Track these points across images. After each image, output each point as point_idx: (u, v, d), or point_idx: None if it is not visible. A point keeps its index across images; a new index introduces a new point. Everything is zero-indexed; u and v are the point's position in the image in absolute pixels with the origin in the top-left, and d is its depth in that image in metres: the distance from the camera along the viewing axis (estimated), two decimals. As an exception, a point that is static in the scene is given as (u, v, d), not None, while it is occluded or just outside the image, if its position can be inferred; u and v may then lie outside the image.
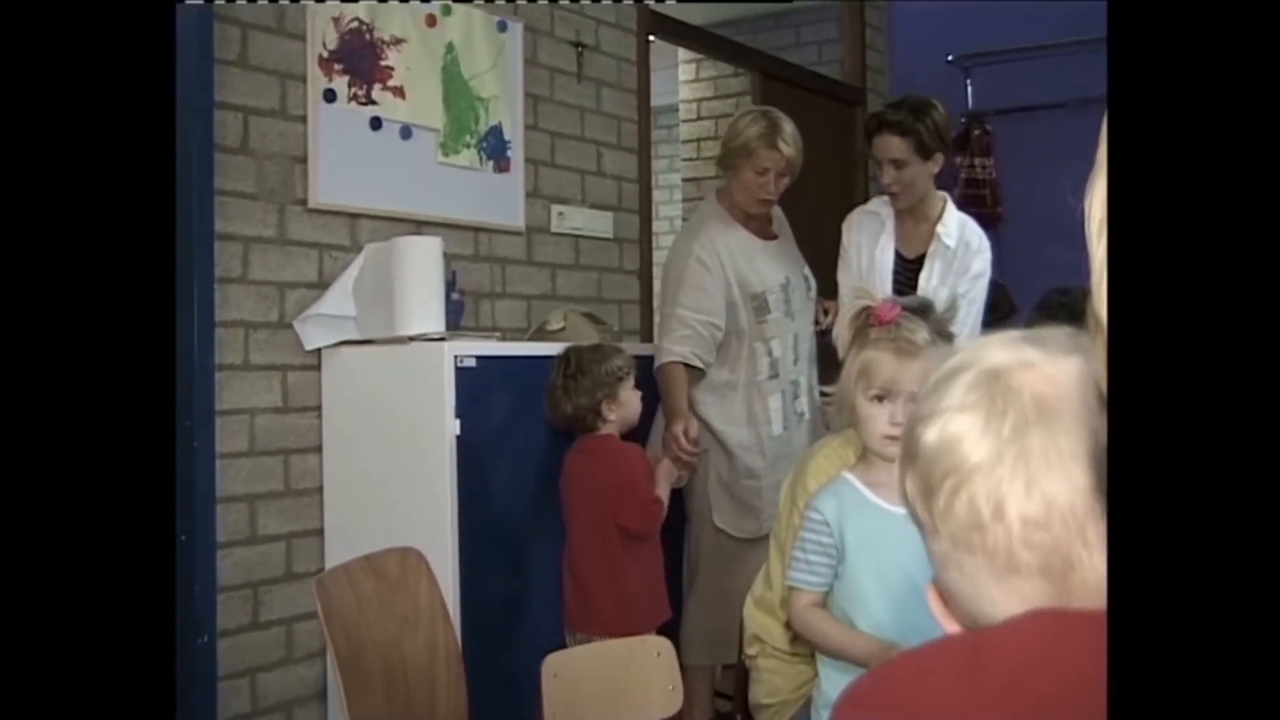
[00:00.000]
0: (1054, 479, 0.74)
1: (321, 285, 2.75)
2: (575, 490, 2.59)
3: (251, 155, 2.64)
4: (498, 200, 3.23)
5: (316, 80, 2.76)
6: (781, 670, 2.01)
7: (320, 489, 2.75)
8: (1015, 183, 4.59)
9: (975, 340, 0.84)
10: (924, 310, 1.79)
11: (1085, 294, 0.70)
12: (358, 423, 2.70)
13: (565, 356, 2.62)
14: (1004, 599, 0.75)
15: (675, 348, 2.84)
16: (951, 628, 0.80)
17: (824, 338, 3.00)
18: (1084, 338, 0.76)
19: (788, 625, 1.91)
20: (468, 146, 3.14)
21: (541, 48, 3.41)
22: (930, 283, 2.80)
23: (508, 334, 3.20)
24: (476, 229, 3.18)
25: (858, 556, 1.72)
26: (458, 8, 3.11)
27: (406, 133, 2.96)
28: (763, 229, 3.05)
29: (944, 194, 2.93)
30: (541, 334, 3.12)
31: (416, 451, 2.58)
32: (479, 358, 2.60)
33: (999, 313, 3.83)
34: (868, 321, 1.77)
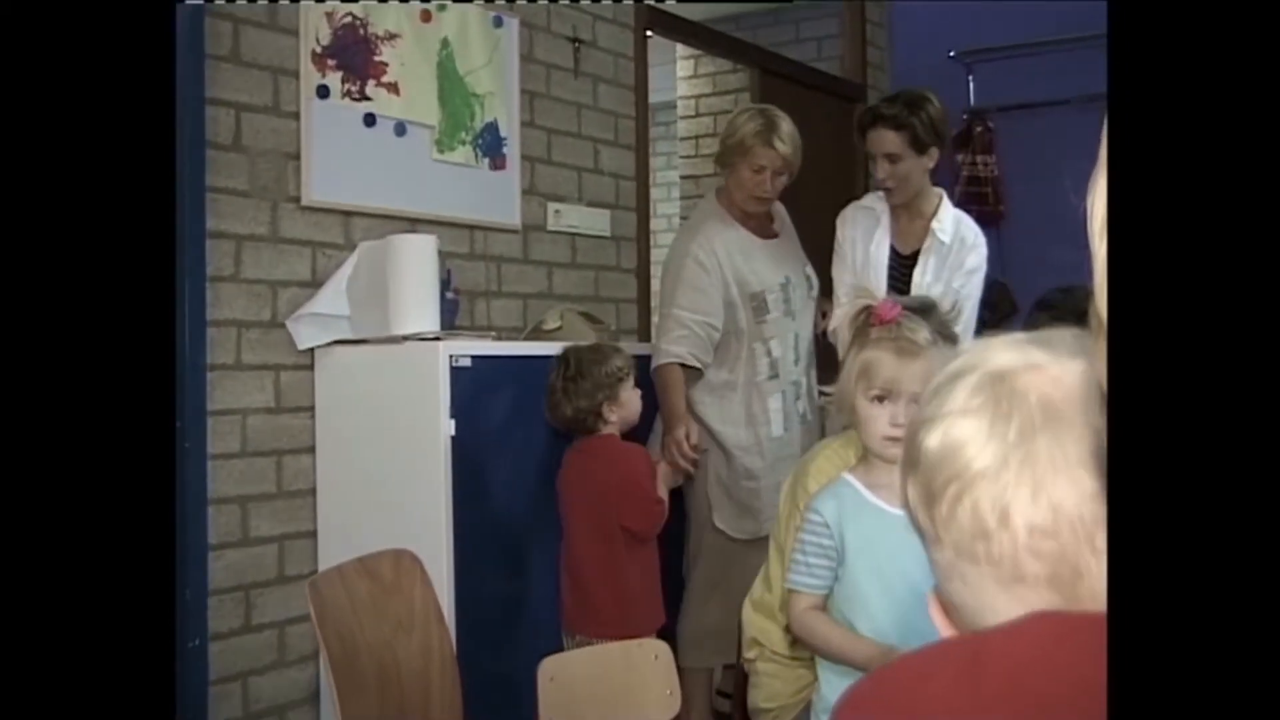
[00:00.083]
0: (1061, 485, 0.72)
1: (315, 284, 2.73)
2: (575, 491, 2.58)
3: (243, 152, 2.61)
4: (493, 198, 3.21)
5: (309, 76, 2.73)
6: (781, 674, 2.01)
7: (313, 490, 2.73)
8: (1017, 180, 4.58)
9: (978, 342, 0.82)
10: (926, 310, 1.78)
11: (1087, 294, 0.69)
12: (351, 423, 2.69)
13: (564, 358, 2.61)
14: (1009, 609, 0.73)
15: (672, 348, 2.83)
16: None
17: (823, 337, 2.98)
18: (1090, 339, 0.74)
19: (787, 629, 1.90)
20: (463, 143, 3.12)
21: (538, 43, 3.39)
22: (925, 278, 2.78)
23: (503, 333, 3.18)
24: (472, 227, 3.16)
25: (858, 559, 1.72)
26: (452, 3, 3.08)
27: (401, 129, 2.94)
28: (762, 227, 3.03)
29: (940, 190, 2.90)
30: (538, 333, 3.10)
31: (411, 452, 2.57)
32: (474, 357, 2.58)
33: (1000, 312, 3.82)
34: (868, 321, 1.76)
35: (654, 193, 4.22)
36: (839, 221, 2.98)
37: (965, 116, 4.62)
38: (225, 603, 2.56)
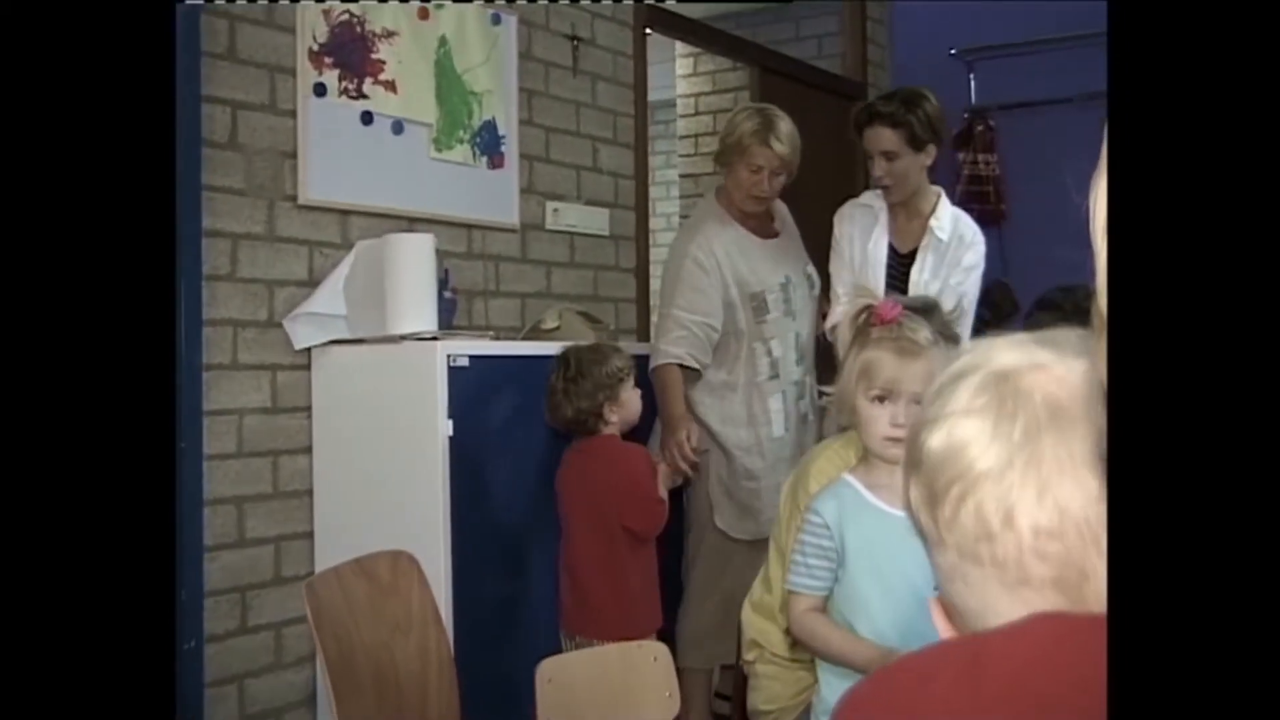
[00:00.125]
0: (1067, 486, 0.71)
1: (311, 283, 2.72)
2: (575, 491, 2.57)
3: (240, 150, 2.60)
4: (491, 197, 3.20)
5: (306, 74, 2.72)
6: (780, 676, 2.01)
7: (310, 491, 2.72)
8: (1019, 179, 4.56)
9: (982, 342, 0.80)
10: (927, 310, 1.78)
11: (1089, 293, 0.68)
12: (348, 423, 2.68)
13: (564, 358, 2.60)
14: (1013, 612, 0.72)
15: (670, 349, 2.82)
16: (955, 642, 0.79)
17: (823, 337, 2.97)
18: (1093, 339, 0.73)
19: (787, 631, 1.89)
20: (461, 142, 3.10)
21: (536, 41, 3.37)
22: (923, 276, 2.77)
23: (501, 333, 3.17)
24: (470, 226, 3.15)
25: (858, 560, 1.71)
26: (450, 1, 3.07)
27: (398, 128, 2.93)
28: (762, 227, 3.02)
29: (938, 188, 2.89)
30: (536, 333, 3.09)
31: (408, 452, 2.56)
32: (472, 357, 2.57)
33: (1001, 311, 3.80)
34: (869, 321, 1.75)
35: (653, 191, 4.21)
36: (837, 219, 2.97)
37: (966, 115, 4.61)
38: (221, 604, 2.55)
